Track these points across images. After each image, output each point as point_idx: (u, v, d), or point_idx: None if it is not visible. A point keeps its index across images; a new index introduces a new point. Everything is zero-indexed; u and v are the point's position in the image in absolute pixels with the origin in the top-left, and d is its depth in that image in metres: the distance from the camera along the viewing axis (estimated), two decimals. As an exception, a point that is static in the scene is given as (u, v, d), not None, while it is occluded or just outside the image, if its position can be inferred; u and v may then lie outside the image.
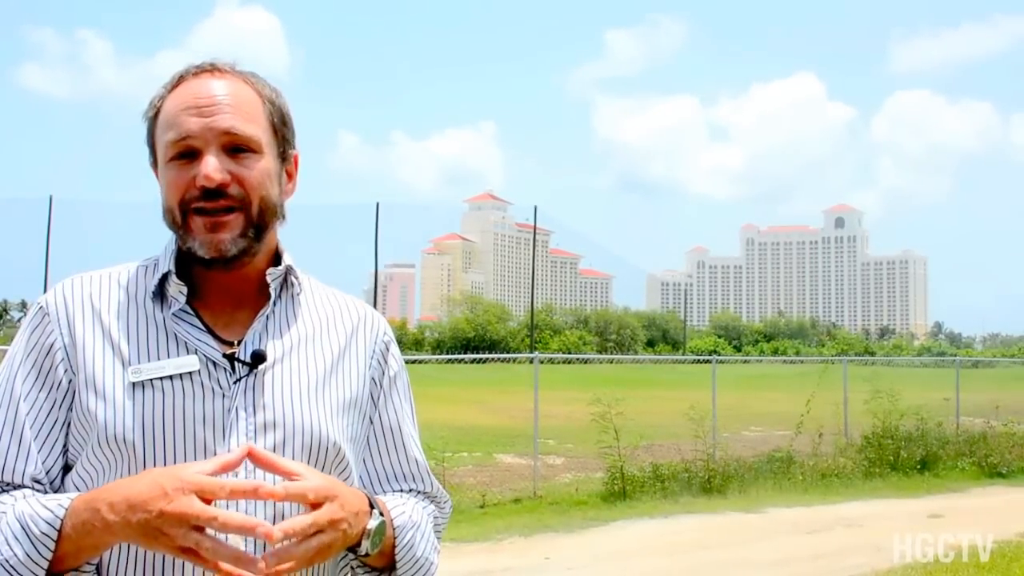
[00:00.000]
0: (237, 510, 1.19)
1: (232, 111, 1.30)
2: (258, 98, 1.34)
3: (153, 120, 1.34)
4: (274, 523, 1.14)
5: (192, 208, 1.28)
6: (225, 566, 1.11)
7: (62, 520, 1.14)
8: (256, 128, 1.31)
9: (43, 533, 1.14)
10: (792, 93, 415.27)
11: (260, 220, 1.31)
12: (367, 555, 1.27)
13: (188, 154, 1.28)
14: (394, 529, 1.32)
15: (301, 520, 1.14)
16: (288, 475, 1.19)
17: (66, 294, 1.32)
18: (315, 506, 1.16)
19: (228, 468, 1.16)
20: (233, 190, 1.28)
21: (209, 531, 1.10)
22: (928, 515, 9.37)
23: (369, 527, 1.24)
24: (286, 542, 1.13)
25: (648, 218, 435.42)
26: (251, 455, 1.18)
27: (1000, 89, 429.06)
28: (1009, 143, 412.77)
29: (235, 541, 1.16)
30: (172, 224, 1.31)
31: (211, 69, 1.34)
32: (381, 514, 1.28)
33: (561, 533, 8.50)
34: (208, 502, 1.10)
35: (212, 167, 1.26)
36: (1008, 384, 22.18)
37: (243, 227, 1.29)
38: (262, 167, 1.31)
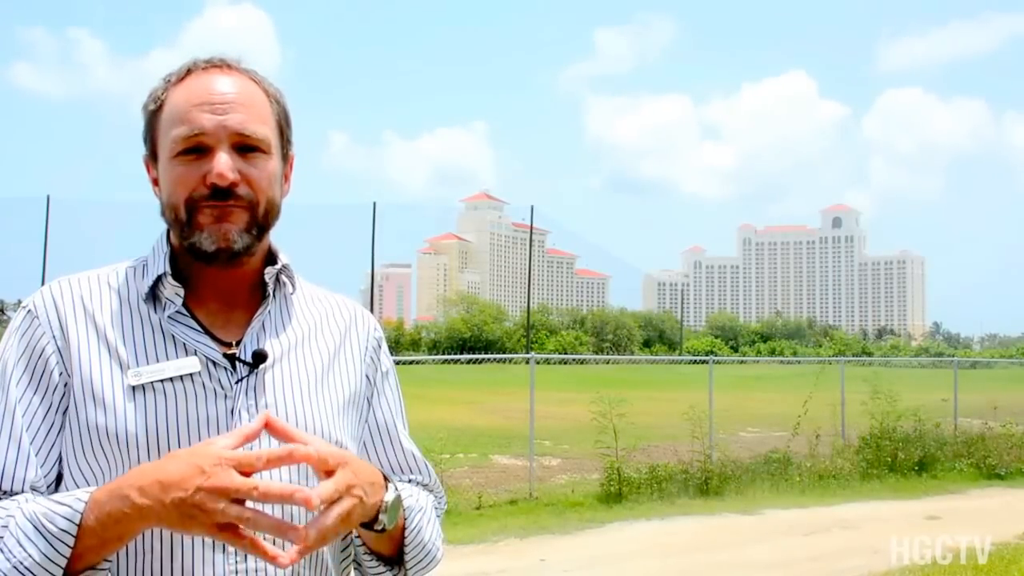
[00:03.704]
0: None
1: (245, 110, 1.29)
2: (267, 98, 1.34)
3: (156, 113, 1.31)
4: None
5: (199, 205, 1.27)
6: (266, 545, 1.09)
7: (82, 514, 1.11)
8: (266, 129, 1.31)
9: (61, 530, 1.11)
10: (783, 91, 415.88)
11: (264, 220, 1.31)
12: (383, 530, 1.25)
13: (196, 150, 1.27)
14: (404, 510, 1.31)
15: (327, 486, 1.13)
16: (303, 444, 1.17)
17: (55, 295, 1.30)
18: (330, 473, 1.15)
19: (250, 439, 1.15)
20: (242, 190, 1.27)
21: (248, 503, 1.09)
22: (926, 517, 9.37)
23: (386, 499, 1.24)
24: (322, 507, 1.12)
25: (643, 218, 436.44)
26: (268, 425, 1.17)
27: (992, 87, 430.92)
28: (1001, 141, 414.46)
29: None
30: (174, 220, 1.29)
31: (221, 65, 1.33)
32: (396, 488, 1.27)
33: (557, 535, 8.48)
34: (246, 475, 1.09)
35: (226, 166, 1.25)
36: (1006, 385, 22.23)
37: (248, 223, 1.29)
38: (270, 168, 1.31)
